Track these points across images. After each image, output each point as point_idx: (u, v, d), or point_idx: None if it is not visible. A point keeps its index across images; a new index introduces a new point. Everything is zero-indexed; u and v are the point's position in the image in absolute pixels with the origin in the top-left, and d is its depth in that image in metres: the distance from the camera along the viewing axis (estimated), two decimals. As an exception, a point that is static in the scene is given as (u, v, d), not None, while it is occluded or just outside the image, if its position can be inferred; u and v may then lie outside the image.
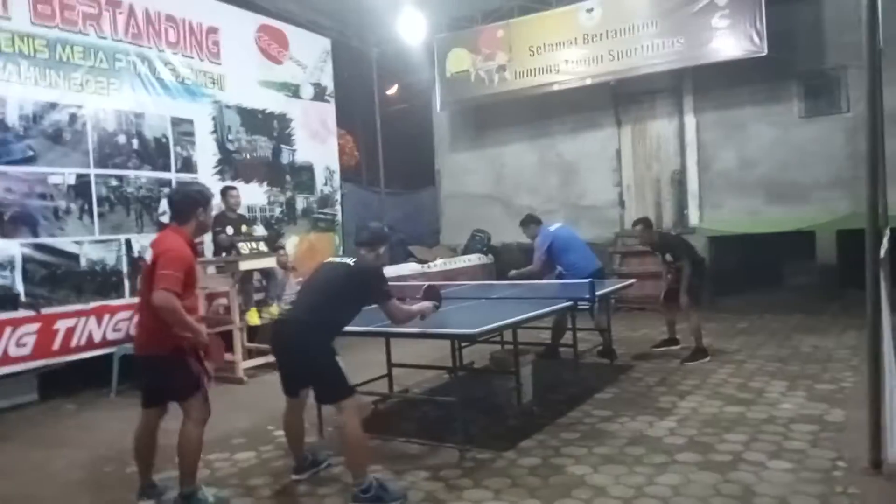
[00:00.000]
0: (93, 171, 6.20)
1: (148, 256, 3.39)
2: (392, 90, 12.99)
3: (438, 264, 9.47)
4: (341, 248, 9.11)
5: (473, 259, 10.13)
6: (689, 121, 9.44)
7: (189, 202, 3.46)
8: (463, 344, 5.62)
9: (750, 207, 9.07)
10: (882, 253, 3.41)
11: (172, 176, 6.94)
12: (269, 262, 6.71)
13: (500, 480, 3.59)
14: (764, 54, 8.14)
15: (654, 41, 8.82)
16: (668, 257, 6.34)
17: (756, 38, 8.16)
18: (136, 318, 3.88)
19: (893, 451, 3.29)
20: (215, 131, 7.50)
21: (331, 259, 3.88)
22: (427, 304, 3.99)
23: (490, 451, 4.02)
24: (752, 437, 4.04)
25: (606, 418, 4.55)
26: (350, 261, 3.68)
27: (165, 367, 3.34)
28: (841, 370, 5.42)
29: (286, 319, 3.56)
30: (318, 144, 8.91)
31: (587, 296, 4.91)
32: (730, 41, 8.39)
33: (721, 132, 9.25)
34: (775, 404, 4.64)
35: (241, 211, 7.24)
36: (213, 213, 6.80)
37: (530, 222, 6.67)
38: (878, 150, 3.46)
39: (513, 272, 6.75)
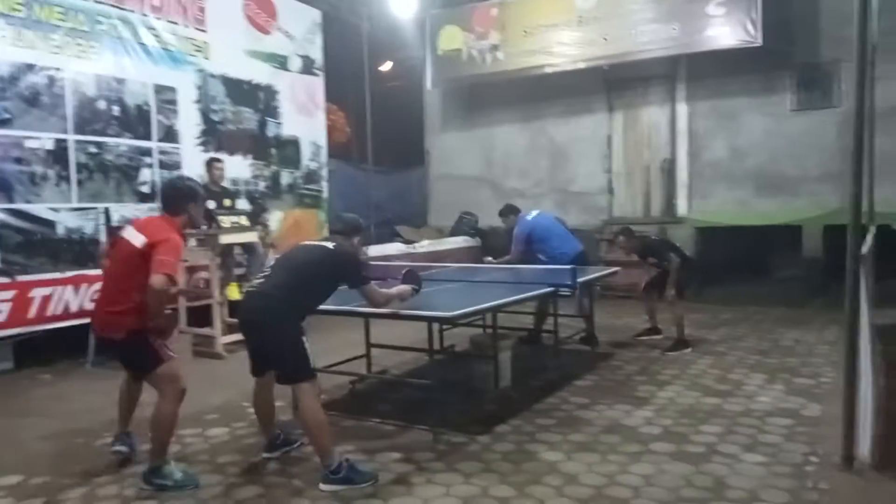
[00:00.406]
0: (71, 137, 6.06)
1: (136, 239, 3.36)
2: (385, 66, 12.82)
3: (425, 245, 9.41)
4: (326, 225, 9.01)
5: (460, 241, 10.08)
6: (682, 109, 9.38)
7: (181, 196, 3.54)
8: (444, 327, 5.60)
9: (739, 199, 9.05)
10: (864, 249, 3.38)
11: (154, 145, 6.80)
12: (251, 237, 6.62)
13: (472, 464, 3.56)
14: (759, 45, 8.06)
15: (648, 27, 8.73)
16: (652, 260, 6.32)
17: (751, 28, 8.08)
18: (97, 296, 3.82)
19: (865, 447, 3.28)
20: (199, 101, 7.34)
21: (307, 241, 3.82)
22: (405, 287, 3.94)
23: (464, 434, 3.99)
24: (728, 429, 4.03)
25: (583, 405, 4.53)
26: (330, 244, 3.63)
27: (124, 348, 3.42)
28: (820, 365, 5.43)
29: (254, 292, 3.47)
30: (305, 118, 8.76)
31: (569, 282, 4.86)
32: (725, 30, 8.30)
33: (713, 121, 9.20)
34: (753, 397, 4.64)
35: (225, 184, 7.13)
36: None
37: (509, 213, 6.58)
38: (864, 145, 3.42)
39: (488, 258, 6.70)
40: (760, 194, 8.90)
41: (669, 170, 9.49)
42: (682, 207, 9.40)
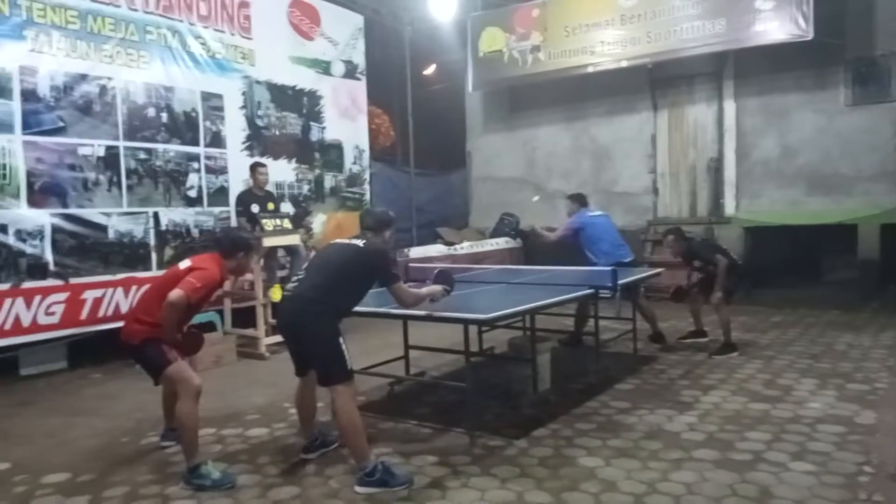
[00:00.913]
0: (122, 144, 6.26)
1: (184, 265, 3.72)
2: (428, 70, 12.86)
3: (465, 247, 9.39)
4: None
5: (501, 243, 10.02)
6: (729, 106, 9.12)
7: (234, 245, 3.83)
8: (483, 329, 5.59)
9: (790, 198, 8.75)
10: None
11: (201, 150, 6.97)
12: (294, 240, 6.72)
13: (508, 469, 3.53)
14: (810, 38, 7.78)
15: (693, 23, 8.52)
16: (697, 264, 6.18)
17: (802, 22, 7.80)
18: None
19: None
20: (245, 107, 7.50)
21: (338, 240, 3.82)
22: (437, 287, 3.92)
23: (501, 438, 3.96)
24: (776, 436, 3.89)
25: (624, 410, 4.44)
26: (360, 242, 3.63)
27: (136, 353, 3.65)
28: (876, 370, 5.20)
29: (290, 296, 3.51)
30: (348, 122, 8.86)
31: (609, 284, 4.78)
32: (774, 24, 8.04)
33: (762, 119, 8.92)
34: (803, 403, 4.47)
35: (269, 188, 7.26)
36: (241, 188, 6.97)
37: (576, 201, 6.63)
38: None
39: (535, 226, 6.63)
40: (812, 193, 8.59)
41: (717, 169, 9.24)
42: (729, 207, 9.14)
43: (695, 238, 6.87)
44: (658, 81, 9.60)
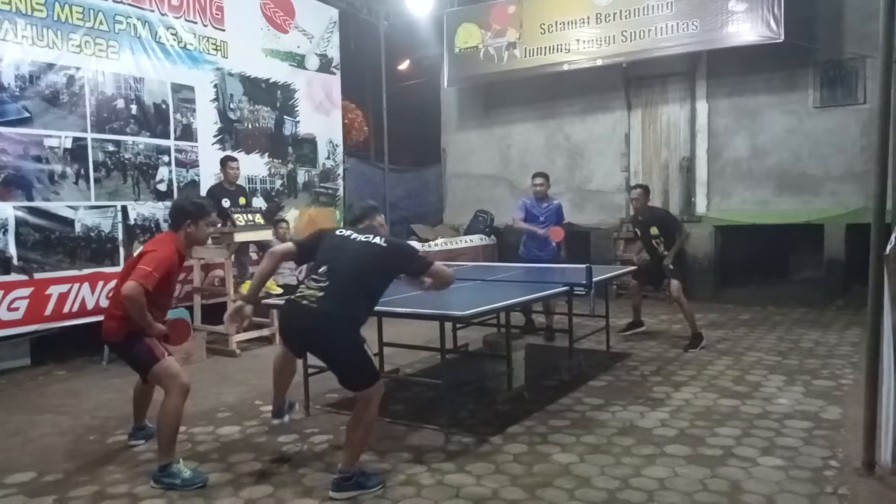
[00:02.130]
0: (90, 136, 6.11)
1: (137, 252, 3.67)
2: (403, 65, 12.81)
3: (440, 244, 9.37)
4: (342, 224, 9.02)
5: (475, 240, 10.02)
6: (702, 107, 9.24)
7: (179, 213, 3.64)
8: (458, 326, 5.58)
9: (759, 198, 8.89)
10: (888, 249, 3.29)
11: (171, 143, 6.84)
12: (265, 235, 6.63)
13: (483, 466, 3.52)
14: (781, 41, 7.91)
15: (668, 23, 8.60)
16: (654, 230, 6.26)
17: (773, 24, 7.92)
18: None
19: (887, 452, 3.19)
20: (217, 99, 7.38)
21: (350, 235, 3.46)
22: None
23: (476, 435, 3.96)
24: (745, 431, 3.95)
25: (597, 406, 4.47)
26: (379, 241, 3.40)
27: (121, 350, 3.63)
28: (841, 367, 5.31)
29: (311, 310, 3.20)
30: (321, 117, 8.78)
31: (584, 281, 4.80)
32: (746, 26, 8.15)
33: (733, 119, 9.05)
34: (771, 399, 4.55)
35: (241, 182, 7.16)
36: (212, 182, 6.85)
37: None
38: (889, 142, 3.32)
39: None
40: (781, 193, 8.74)
41: (689, 168, 9.35)
42: (700, 206, 9.26)
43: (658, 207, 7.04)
44: (632, 80, 9.68)
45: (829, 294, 8.16)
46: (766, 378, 5.06)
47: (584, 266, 5.06)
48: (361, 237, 3.43)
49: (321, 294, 3.21)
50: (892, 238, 3.30)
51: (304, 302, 3.24)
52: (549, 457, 3.64)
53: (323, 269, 3.31)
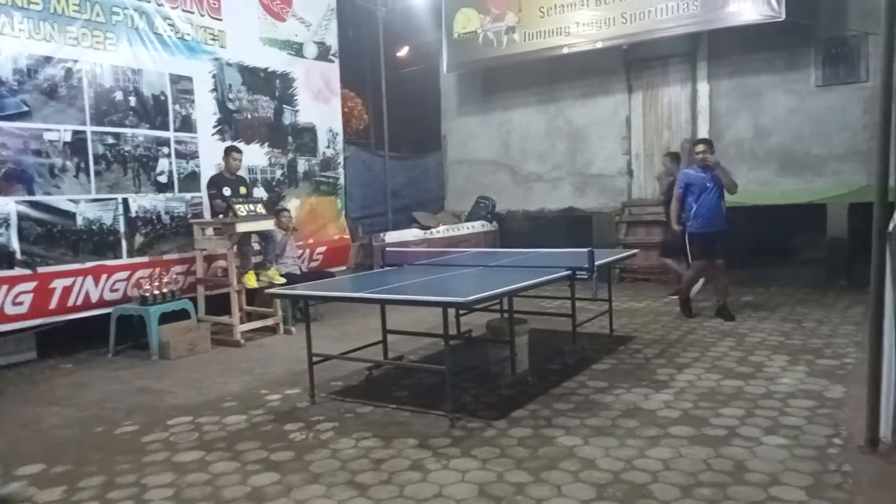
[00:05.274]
0: (89, 129, 6.10)
1: None
2: (402, 52, 12.73)
3: (441, 231, 9.37)
4: (343, 213, 9.02)
5: (477, 226, 10.02)
6: (703, 88, 9.18)
7: None
8: (461, 312, 5.60)
9: (762, 178, 8.85)
10: (891, 227, 3.28)
11: (171, 135, 6.83)
12: (268, 225, 6.64)
13: (488, 450, 3.54)
14: (782, 19, 7.84)
15: (668, 4, 8.53)
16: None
17: (774, 2, 7.85)
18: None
19: (889, 429, 3.20)
20: (215, 90, 7.35)
21: None
22: None
23: (481, 420, 3.98)
24: (749, 411, 3.96)
25: (601, 389, 4.49)
26: None
27: None
28: (844, 346, 5.32)
29: None
30: (321, 105, 8.74)
31: (586, 265, 4.80)
32: (747, 5, 8.08)
33: (735, 100, 9.00)
34: (774, 379, 4.56)
35: (242, 172, 7.15)
36: (212, 174, 6.86)
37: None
38: (892, 120, 3.30)
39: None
40: (784, 174, 8.71)
41: (690, 150, 9.29)
42: (703, 188, 9.21)
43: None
44: (633, 63, 9.62)
45: (832, 273, 8.15)
46: (770, 358, 5.07)
47: (585, 250, 5.06)
48: None
49: None
50: (895, 216, 3.29)
51: None
52: (554, 440, 3.66)
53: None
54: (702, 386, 4.48)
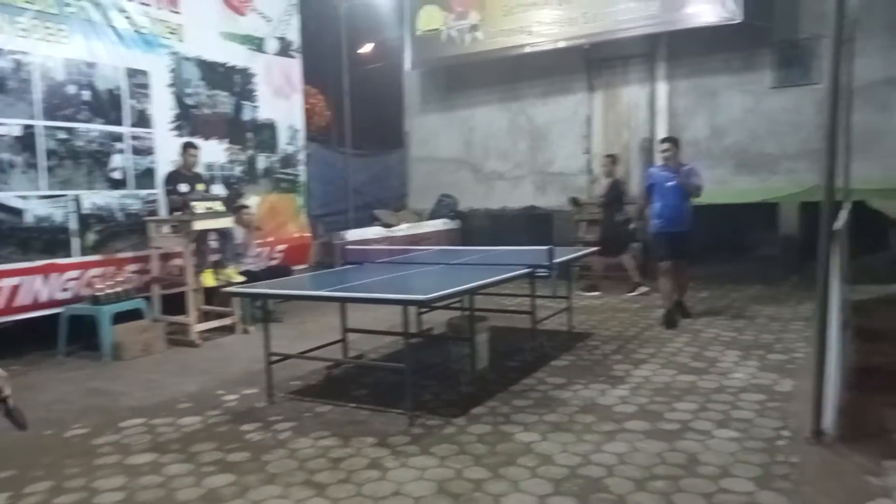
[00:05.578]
0: (39, 123, 5.92)
1: None
2: (365, 48, 12.64)
3: (403, 228, 9.35)
4: (304, 210, 8.94)
5: (439, 224, 10.03)
6: (662, 88, 9.33)
7: None
8: (422, 310, 5.59)
9: (718, 177, 9.01)
10: (839, 225, 3.38)
11: (126, 130, 6.67)
12: (225, 222, 6.54)
13: (447, 447, 3.55)
14: (739, 21, 8.02)
15: (628, 4, 8.66)
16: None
17: (732, 4, 8.03)
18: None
19: (831, 421, 3.31)
20: (173, 84, 7.20)
21: None
22: None
23: (440, 417, 3.99)
24: (702, 406, 4.05)
25: (559, 386, 4.53)
26: None
27: None
28: (794, 341, 5.47)
29: None
30: (281, 101, 8.64)
31: (546, 263, 4.84)
32: (705, 6, 8.25)
33: (693, 100, 9.17)
34: (727, 374, 4.67)
35: (200, 169, 7.03)
36: (170, 168, 6.72)
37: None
38: (838, 121, 3.41)
39: None
40: (739, 172, 8.91)
41: (649, 149, 9.46)
42: (661, 187, 9.37)
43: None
44: (593, 62, 9.73)
45: (785, 270, 8.37)
46: (723, 353, 5.19)
47: (545, 248, 5.11)
48: None
49: None
50: (843, 215, 3.40)
51: None
52: (512, 436, 3.69)
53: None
54: (657, 381, 4.56)
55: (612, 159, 8.15)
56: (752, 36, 8.39)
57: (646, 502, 2.91)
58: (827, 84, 3.42)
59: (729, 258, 9.48)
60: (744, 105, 8.84)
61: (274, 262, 7.99)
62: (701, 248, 9.17)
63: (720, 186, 8.95)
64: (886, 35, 7.74)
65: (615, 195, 8.05)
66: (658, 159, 6.91)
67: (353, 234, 8.78)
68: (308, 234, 8.86)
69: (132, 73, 6.73)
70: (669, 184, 6.36)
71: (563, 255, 5.56)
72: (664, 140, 6.84)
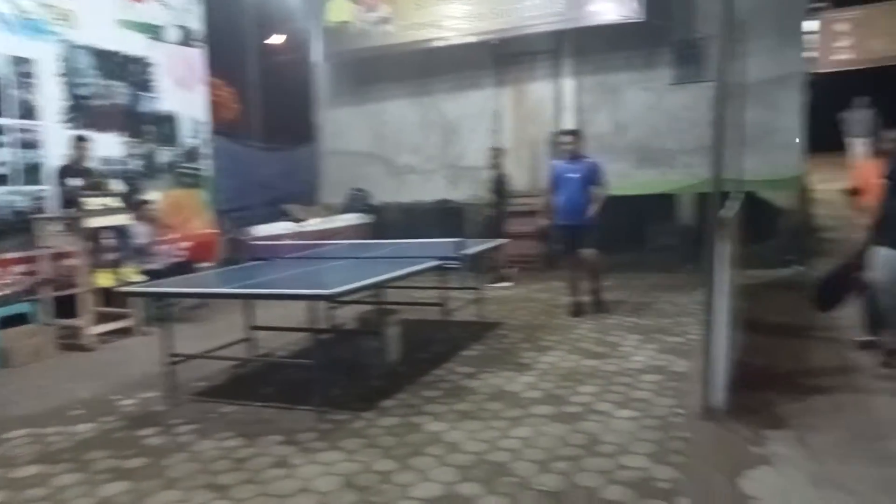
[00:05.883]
0: None
1: None
2: (274, 39, 12.32)
3: (314, 223, 9.21)
4: (210, 205, 8.63)
5: (351, 218, 9.93)
6: (568, 84, 9.58)
7: None
8: (333, 305, 5.53)
9: (621, 170, 9.31)
10: (726, 213, 3.59)
11: (13, 122, 6.23)
12: (122, 219, 6.23)
13: (355, 441, 3.54)
14: (641, 20, 8.32)
15: (534, 1, 8.84)
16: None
17: (634, 3, 8.33)
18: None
19: (719, 397, 3.52)
20: (64, 74, 6.78)
21: None
22: None
23: (349, 412, 3.95)
24: (604, 388, 4.21)
25: (469, 375, 4.60)
26: None
27: None
28: (689, 324, 5.75)
29: None
30: (183, 93, 8.30)
31: (454, 255, 4.89)
32: (609, 5, 8.52)
33: (597, 96, 9.46)
34: (628, 357, 4.87)
35: (96, 163, 6.66)
36: (61, 163, 6.34)
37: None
38: (725, 116, 3.62)
39: None
40: (641, 166, 9.28)
41: (555, 144, 9.70)
42: (567, 180, 9.64)
43: None
44: (502, 58, 9.86)
45: (682, 259, 8.79)
46: (624, 338, 5.41)
47: (455, 240, 5.15)
48: None
49: None
50: (733, 205, 3.61)
51: None
52: (421, 426, 3.71)
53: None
54: (563, 367, 4.71)
55: (496, 153, 8.31)
56: (653, 35, 8.74)
57: (549, 483, 3.00)
58: (715, 81, 3.61)
59: (630, 248, 9.85)
60: (645, 102, 9.20)
61: (178, 260, 7.68)
62: (604, 238, 9.54)
63: (623, 180, 9.27)
64: (775, 36, 8.25)
65: (497, 188, 8.25)
66: (560, 152, 7.07)
67: (261, 230, 8.56)
68: (214, 231, 8.57)
69: (17, 60, 6.30)
70: (570, 175, 6.46)
71: (473, 248, 5.62)
72: (566, 132, 7.01)
